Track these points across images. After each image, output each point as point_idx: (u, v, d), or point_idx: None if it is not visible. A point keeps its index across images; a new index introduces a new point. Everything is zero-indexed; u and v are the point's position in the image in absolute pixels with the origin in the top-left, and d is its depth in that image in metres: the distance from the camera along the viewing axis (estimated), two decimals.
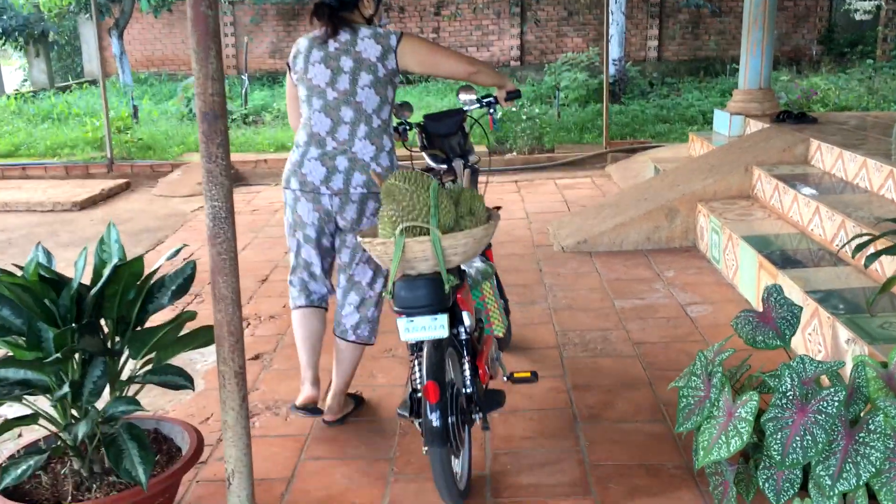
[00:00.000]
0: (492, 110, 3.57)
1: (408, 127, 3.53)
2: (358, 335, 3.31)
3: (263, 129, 10.69)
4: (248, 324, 4.62)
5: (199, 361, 4.10)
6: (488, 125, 3.66)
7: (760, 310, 2.70)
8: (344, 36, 3.09)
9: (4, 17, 13.96)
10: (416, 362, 2.79)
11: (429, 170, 3.40)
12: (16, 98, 12.35)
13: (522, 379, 3.20)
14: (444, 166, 3.42)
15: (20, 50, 15.14)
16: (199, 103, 2.39)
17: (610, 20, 12.73)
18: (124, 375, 2.60)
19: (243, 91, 12.17)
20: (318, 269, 3.29)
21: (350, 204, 3.11)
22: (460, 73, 3.22)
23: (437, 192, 2.65)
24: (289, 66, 3.24)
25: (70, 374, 2.46)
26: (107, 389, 2.51)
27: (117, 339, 2.57)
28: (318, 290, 3.34)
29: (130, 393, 2.60)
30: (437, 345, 2.69)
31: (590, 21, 17.45)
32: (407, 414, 2.76)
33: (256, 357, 4.15)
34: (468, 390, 2.84)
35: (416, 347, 2.80)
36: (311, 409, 3.24)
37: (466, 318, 2.83)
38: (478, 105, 3.52)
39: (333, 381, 3.37)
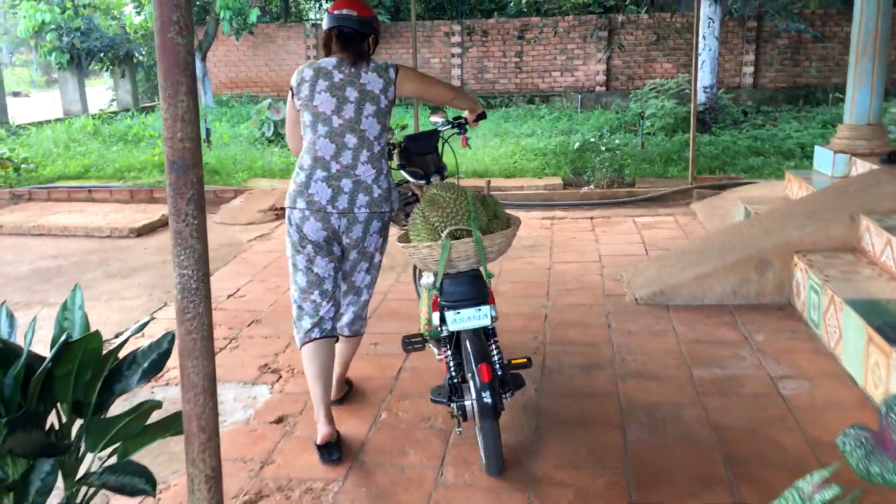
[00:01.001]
0: (463, 130, 3.94)
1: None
2: (354, 331, 3.65)
3: None
4: (280, 377, 4.20)
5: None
6: (460, 144, 4.18)
7: (876, 425, 2.08)
8: (348, 68, 3.34)
9: (91, 38, 14.21)
10: (449, 353, 3.16)
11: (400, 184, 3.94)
12: (95, 119, 12.46)
13: (518, 365, 3.32)
14: (424, 182, 3.80)
15: (107, 70, 15.40)
16: (167, 150, 1.95)
17: (701, 45, 12.00)
18: (82, 470, 2.18)
19: None
20: (330, 285, 3.43)
21: (356, 223, 3.35)
22: (445, 98, 3.58)
23: (474, 199, 3.08)
24: (292, 91, 3.42)
25: (12, 471, 2.06)
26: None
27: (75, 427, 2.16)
28: (329, 313, 3.45)
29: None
30: (478, 333, 3.06)
31: (680, 46, 16.68)
32: (444, 399, 3.16)
33: (279, 420, 3.71)
34: (499, 372, 3.11)
35: (448, 340, 3.17)
36: (332, 447, 3.33)
37: (492, 310, 3.10)
38: (450, 126, 3.91)
39: (334, 370, 3.61)
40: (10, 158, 9.13)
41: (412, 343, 3.48)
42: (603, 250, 6.45)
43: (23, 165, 9.19)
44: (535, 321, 4.89)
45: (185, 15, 1.89)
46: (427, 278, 3.47)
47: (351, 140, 3.31)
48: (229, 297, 5.60)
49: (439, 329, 3.21)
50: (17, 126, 12.38)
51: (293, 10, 19.29)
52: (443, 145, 4.01)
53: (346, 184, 3.29)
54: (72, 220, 7.67)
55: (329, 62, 3.36)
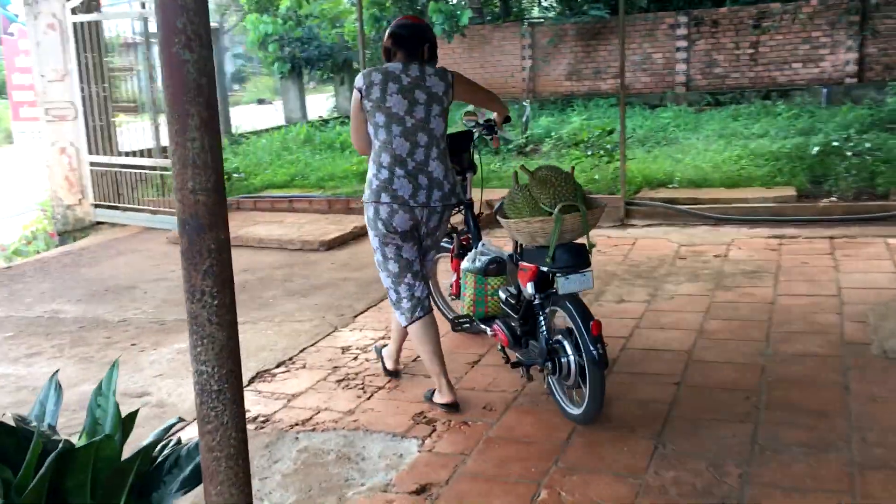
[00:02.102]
0: (493, 132, 4.35)
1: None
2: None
3: (537, 160, 9.79)
4: (434, 429, 3.65)
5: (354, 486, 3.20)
6: (492, 143, 4.79)
7: None
8: (414, 72, 3.67)
9: (311, 47, 14.65)
10: (543, 316, 3.66)
11: None
12: (309, 126, 12.74)
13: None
14: (461, 177, 4.21)
15: (327, 79, 15.85)
16: (178, 206, 1.45)
17: None
18: None
19: (524, 118, 11.40)
20: (418, 266, 3.84)
21: (434, 214, 3.76)
22: (486, 102, 4.02)
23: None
24: (361, 94, 3.67)
25: None
26: None
27: None
28: (423, 292, 3.86)
29: None
30: (578, 295, 3.51)
31: None
32: (540, 361, 3.68)
33: (421, 490, 3.15)
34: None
35: (539, 307, 3.65)
36: (455, 406, 3.79)
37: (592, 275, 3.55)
38: (481, 128, 4.35)
39: (396, 342, 4.18)
40: None
41: (461, 324, 4.17)
42: (844, 281, 5.30)
43: (234, 175, 9.45)
44: (748, 374, 3.98)
45: (198, 22, 1.35)
46: (471, 263, 4.00)
47: (422, 138, 3.68)
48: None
49: (533, 297, 3.66)
50: (238, 135, 12.97)
51: (515, 8, 18.85)
52: (476, 145, 4.45)
53: (423, 179, 3.68)
54: (268, 232, 7.66)
55: (396, 66, 3.68)
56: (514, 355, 3.96)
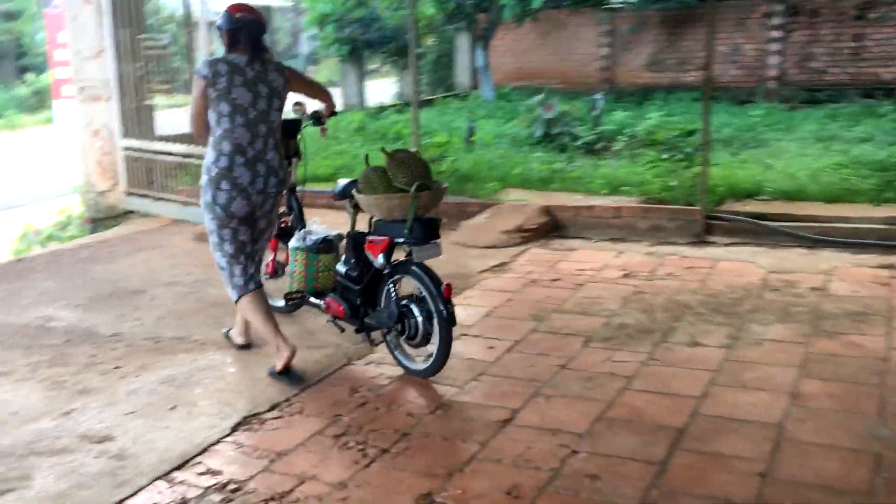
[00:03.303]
0: (322, 123, 4.79)
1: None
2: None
3: (607, 161, 8.82)
4: None
5: None
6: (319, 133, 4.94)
7: None
8: (258, 66, 4.00)
9: (371, 29, 13.89)
10: (392, 284, 4.11)
11: None
12: (365, 114, 11.98)
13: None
14: (285, 162, 4.35)
15: (389, 63, 15.08)
16: None
17: None
18: None
19: (595, 112, 10.42)
20: (251, 248, 4.17)
21: (269, 199, 4.09)
22: (317, 94, 4.43)
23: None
24: (206, 81, 3.88)
25: None
26: None
27: None
28: (253, 269, 4.19)
29: None
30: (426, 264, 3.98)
31: None
32: (391, 324, 4.08)
33: None
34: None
35: (389, 276, 4.10)
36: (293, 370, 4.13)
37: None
38: (309, 116, 4.77)
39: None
40: None
41: (293, 299, 4.48)
42: None
43: None
44: (857, 467, 3.06)
45: None
46: (301, 241, 4.33)
47: (262, 129, 3.99)
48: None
49: (385, 267, 4.06)
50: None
51: None
52: (301, 133, 4.77)
53: (261, 167, 3.98)
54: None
55: (241, 59, 3.96)
56: (342, 326, 4.42)
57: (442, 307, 3.83)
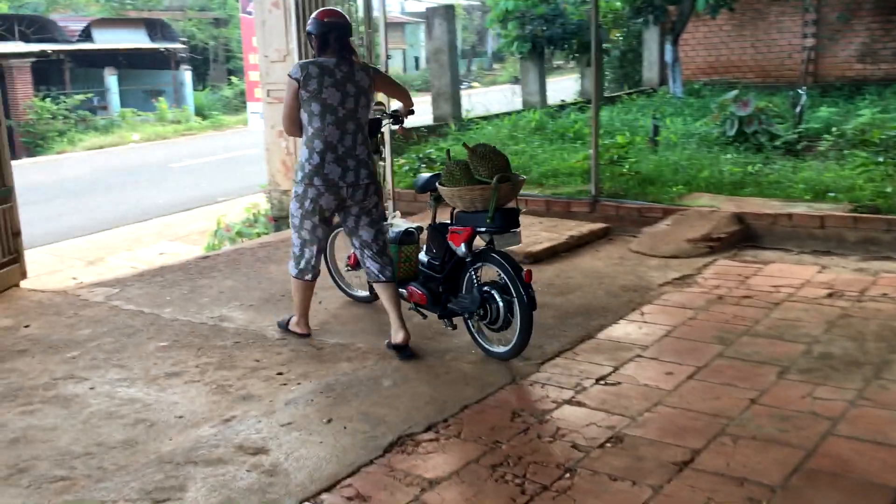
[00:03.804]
0: (401, 122, 4.83)
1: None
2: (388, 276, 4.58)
3: (809, 163, 7.97)
4: None
5: None
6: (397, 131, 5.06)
7: None
8: (345, 67, 4.28)
9: (555, 25, 13.48)
10: (474, 271, 4.31)
11: None
12: (544, 113, 11.61)
13: None
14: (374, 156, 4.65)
15: (572, 59, 14.62)
16: None
17: None
18: None
19: (798, 107, 9.50)
20: (324, 243, 4.66)
21: (359, 189, 4.36)
22: (397, 94, 4.68)
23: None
24: (298, 83, 4.22)
25: None
26: None
27: None
28: (318, 262, 4.61)
29: None
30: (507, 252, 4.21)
31: None
32: (474, 308, 4.26)
33: None
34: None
35: (471, 264, 4.28)
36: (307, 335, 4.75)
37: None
38: (388, 117, 4.85)
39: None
40: (433, 159, 8.63)
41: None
42: None
43: None
44: None
45: None
46: (388, 234, 4.67)
47: (351, 126, 4.28)
48: (598, 381, 3.99)
49: (467, 256, 4.27)
50: (468, 119, 12.14)
51: None
52: (381, 131, 4.89)
53: (351, 163, 4.29)
54: None
55: (330, 61, 4.24)
56: (424, 313, 4.70)
57: (522, 292, 4.00)
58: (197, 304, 5.52)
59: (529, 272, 4.04)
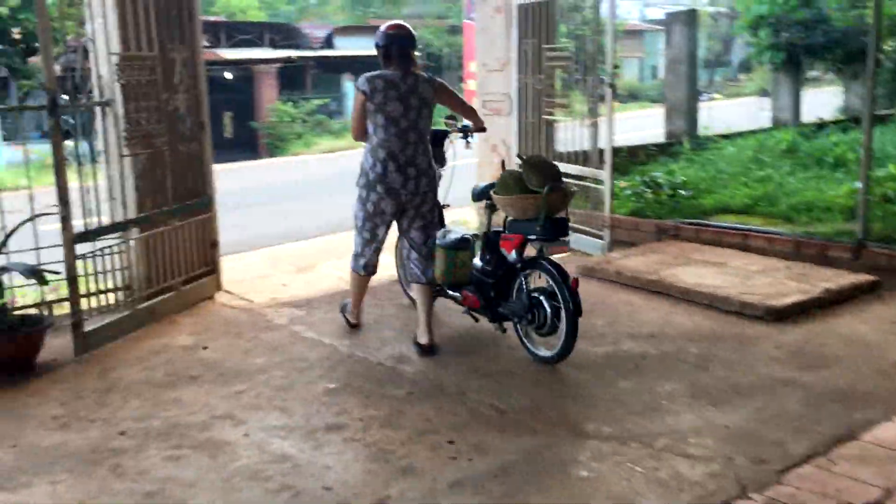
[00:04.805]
0: (468, 137, 5.15)
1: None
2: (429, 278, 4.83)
3: None
4: None
5: None
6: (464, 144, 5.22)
7: None
8: (410, 80, 4.52)
9: (816, 32, 11.78)
10: (524, 277, 4.46)
11: None
12: (797, 132, 10.07)
13: None
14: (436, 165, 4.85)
15: (835, 70, 12.78)
16: None
17: None
18: None
19: None
20: (381, 245, 4.83)
21: (417, 196, 4.61)
22: (460, 109, 4.92)
23: None
24: (366, 96, 4.46)
25: None
26: None
27: None
28: (375, 261, 4.88)
29: None
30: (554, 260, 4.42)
31: None
32: (522, 313, 4.46)
33: None
34: None
35: (521, 270, 4.47)
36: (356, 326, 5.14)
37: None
38: (458, 130, 5.12)
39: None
40: (660, 183, 7.59)
41: (439, 290, 5.00)
42: None
43: (679, 191, 7.52)
44: None
45: None
46: (442, 240, 4.74)
47: (412, 137, 4.54)
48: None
49: (518, 262, 4.47)
50: (704, 138, 10.85)
51: None
52: (448, 144, 5.16)
53: (412, 171, 4.56)
54: (699, 279, 5.69)
55: (395, 75, 4.51)
56: (476, 316, 4.89)
57: (569, 299, 4.16)
58: (379, 339, 5.00)
59: (576, 280, 4.23)
